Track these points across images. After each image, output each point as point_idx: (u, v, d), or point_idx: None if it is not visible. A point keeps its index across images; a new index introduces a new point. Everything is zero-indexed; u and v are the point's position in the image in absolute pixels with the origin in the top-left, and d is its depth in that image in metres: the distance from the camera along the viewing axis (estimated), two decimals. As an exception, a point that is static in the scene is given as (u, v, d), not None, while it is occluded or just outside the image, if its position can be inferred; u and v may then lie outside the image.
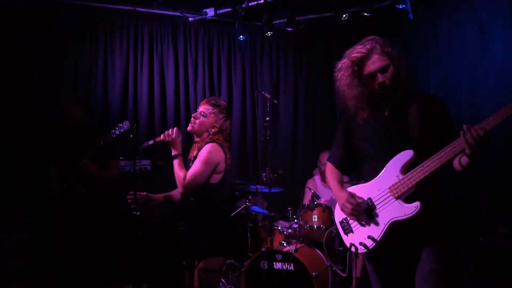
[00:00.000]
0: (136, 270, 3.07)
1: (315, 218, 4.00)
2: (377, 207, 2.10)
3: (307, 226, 3.99)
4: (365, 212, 2.13)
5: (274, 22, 5.16)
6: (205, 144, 2.63)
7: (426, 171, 1.95)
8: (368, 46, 2.04)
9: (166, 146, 2.70)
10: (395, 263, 2.11)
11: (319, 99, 5.73)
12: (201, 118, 2.69)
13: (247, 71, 5.48)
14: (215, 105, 2.71)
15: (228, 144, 2.76)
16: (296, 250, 3.71)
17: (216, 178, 2.62)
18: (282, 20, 5.15)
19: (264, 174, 3.96)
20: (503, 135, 3.70)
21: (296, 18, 5.07)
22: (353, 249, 2.15)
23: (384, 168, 2.09)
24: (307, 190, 4.51)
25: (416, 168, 1.98)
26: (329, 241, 4.11)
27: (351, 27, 5.00)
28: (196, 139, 2.75)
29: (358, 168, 2.33)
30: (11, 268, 3.64)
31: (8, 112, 4.19)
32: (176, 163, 2.59)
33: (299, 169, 5.49)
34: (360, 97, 2.11)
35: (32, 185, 3.92)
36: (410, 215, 1.98)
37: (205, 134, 2.70)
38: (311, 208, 4.03)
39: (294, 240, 3.98)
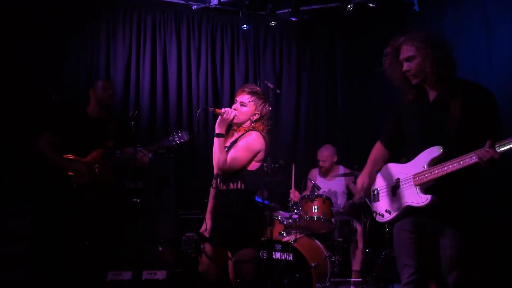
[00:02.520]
0: (138, 256, 3.09)
1: (315, 208, 4.00)
2: (401, 187, 2.30)
3: (307, 217, 3.99)
4: (392, 188, 2.36)
5: (278, 11, 5.14)
6: (245, 132, 2.71)
7: (444, 171, 2.10)
8: (403, 37, 2.29)
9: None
10: (422, 231, 2.28)
11: (322, 89, 5.71)
12: (242, 108, 2.71)
13: (250, 61, 5.45)
14: (252, 93, 2.75)
15: (268, 128, 2.82)
16: (295, 241, 3.72)
17: (254, 165, 2.70)
18: (286, 10, 5.12)
19: (265, 164, 3.95)
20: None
21: (301, 8, 5.02)
22: (374, 215, 2.48)
23: (417, 156, 2.26)
24: (308, 181, 4.51)
25: (438, 165, 2.14)
26: (328, 232, 4.13)
27: (356, 18, 4.97)
28: (234, 127, 2.80)
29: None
30: (15, 254, 3.66)
31: (11, 101, 4.17)
32: (218, 142, 2.60)
33: (301, 159, 5.49)
34: (400, 79, 2.31)
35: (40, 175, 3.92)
36: (421, 204, 2.17)
37: (247, 122, 2.75)
38: (311, 198, 4.03)
39: (294, 231, 3.99)
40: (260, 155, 2.69)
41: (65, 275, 3.49)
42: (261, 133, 2.70)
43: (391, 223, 2.37)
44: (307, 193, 4.24)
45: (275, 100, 5.28)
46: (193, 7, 5.14)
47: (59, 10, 4.51)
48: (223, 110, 2.63)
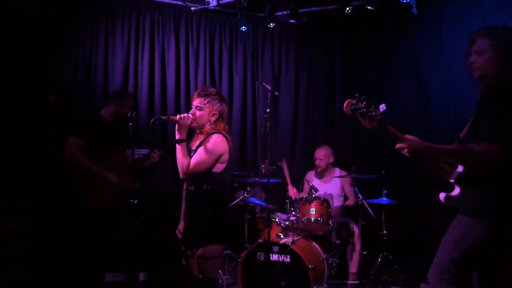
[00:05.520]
0: (133, 258, 3.09)
1: (312, 211, 4.00)
2: None
3: (304, 219, 3.99)
4: None
5: (276, 13, 5.14)
6: (209, 135, 2.72)
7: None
8: (483, 30, 2.21)
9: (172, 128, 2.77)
10: None
11: (320, 91, 5.71)
12: (198, 112, 2.76)
13: (248, 62, 5.46)
14: (206, 95, 2.78)
15: (229, 126, 2.87)
16: (293, 242, 3.71)
17: (219, 167, 2.72)
18: (285, 12, 5.12)
19: (263, 166, 3.95)
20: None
21: (299, 10, 5.03)
22: None
23: None
24: (305, 183, 4.51)
25: None
26: (326, 234, 4.13)
27: (354, 20, 4.98)
28: (198, 130, 2.84)
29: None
30: (15, 253, 3.66)
31: (9, 100, 4.17)
32: (180, 148, 2.66)
33: (299, 161, 5.49)
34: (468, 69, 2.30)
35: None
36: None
37: (207, 125, 2.78)
38: (309, 200, 4.03)
39: (291, 233, 3.98)
40: (224, 157, 2.71)
41: (64, 275, 3.50)
42: (223, 135, 2.73)
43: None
44: (304, 195, 4.24)
45: (273, 102, 5.29)
46: (192, 8, 5.13)
47: (57, 10, 4.50)
48: (178, 116, 2.67)
